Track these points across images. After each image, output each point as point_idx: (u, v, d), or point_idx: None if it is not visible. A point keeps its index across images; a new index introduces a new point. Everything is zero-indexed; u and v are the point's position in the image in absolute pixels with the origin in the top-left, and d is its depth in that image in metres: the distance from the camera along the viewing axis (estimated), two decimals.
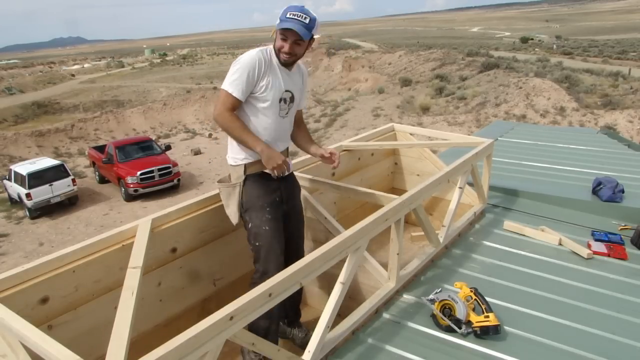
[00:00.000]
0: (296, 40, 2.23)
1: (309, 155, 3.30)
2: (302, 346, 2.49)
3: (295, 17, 2.19)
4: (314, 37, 2.28)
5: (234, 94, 2.21)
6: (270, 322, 2.29)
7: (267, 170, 2.31)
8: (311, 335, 2.04)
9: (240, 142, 2.28)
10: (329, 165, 2.57)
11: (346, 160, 3.61)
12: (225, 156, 2.47)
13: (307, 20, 2.20)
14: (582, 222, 3.47)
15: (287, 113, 2.41)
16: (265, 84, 2.27)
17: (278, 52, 2.29)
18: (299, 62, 2.43)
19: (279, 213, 2.40)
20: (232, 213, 2.39)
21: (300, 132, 2.63)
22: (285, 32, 2.22)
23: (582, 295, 2.57)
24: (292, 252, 2.50)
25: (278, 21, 2.23)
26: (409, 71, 36.22)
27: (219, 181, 2.46)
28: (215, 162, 19.77)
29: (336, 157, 2.52)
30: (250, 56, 2.24)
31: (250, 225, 2.34)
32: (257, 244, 2.32)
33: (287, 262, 2.30)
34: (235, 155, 2.37)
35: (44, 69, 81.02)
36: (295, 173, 2.92)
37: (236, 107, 2.26)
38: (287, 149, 2.51)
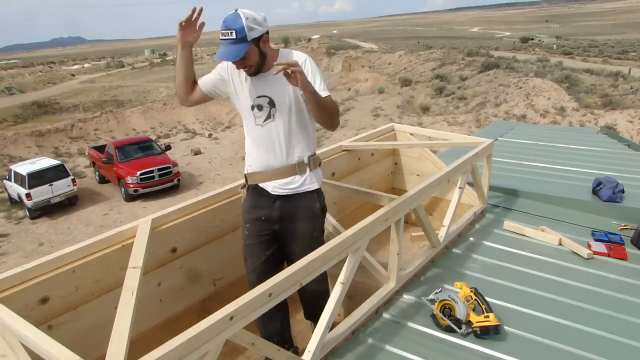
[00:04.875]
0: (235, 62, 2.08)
1: None
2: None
3: (223, 38, 2.02)
4: (259, 36, 2.04)
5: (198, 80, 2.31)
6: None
7: (261, 184, 2.29)
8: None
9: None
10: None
11: (346, 160, 3.61)
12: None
13: (233, 36, 1.98)
14: (582, 222, 3.47)
15: (264, 120, 2.19)
16: (230, 90, 2.27)
17: None
18: (293, 52, 2.22)
19: (259, 231, 2.32)
20: None
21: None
22: None
23: (582, 295, 2.57)
24: None
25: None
26: (409, 71, 36.17)
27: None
28: (215, 162, 19.71)
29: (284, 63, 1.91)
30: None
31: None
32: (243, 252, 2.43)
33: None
34: (245, 164, 2.40)
35: (44, 69, 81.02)
36: None
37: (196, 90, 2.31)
38: (300, 162, 2.23)
